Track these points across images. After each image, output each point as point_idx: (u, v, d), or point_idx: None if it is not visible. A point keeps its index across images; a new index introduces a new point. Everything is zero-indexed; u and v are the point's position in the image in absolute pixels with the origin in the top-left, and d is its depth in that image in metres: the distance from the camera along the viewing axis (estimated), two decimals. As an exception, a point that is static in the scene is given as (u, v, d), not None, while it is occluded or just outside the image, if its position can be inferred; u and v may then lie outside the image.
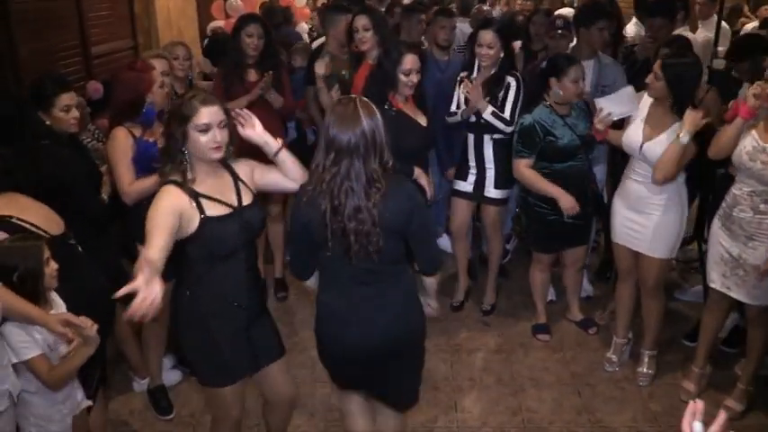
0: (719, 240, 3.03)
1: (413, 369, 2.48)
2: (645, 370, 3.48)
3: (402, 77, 3.24)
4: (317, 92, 4.07)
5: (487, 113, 3.57)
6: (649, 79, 3.12)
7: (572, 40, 4.30)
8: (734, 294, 3.04)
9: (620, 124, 3.35)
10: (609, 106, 3.27)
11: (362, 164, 2.11)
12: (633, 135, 3.19)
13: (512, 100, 3.63)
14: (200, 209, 2.21)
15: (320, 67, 4.04)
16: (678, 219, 3.21)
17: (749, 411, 3.17)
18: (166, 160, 2.27)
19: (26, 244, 2.24)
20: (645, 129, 3.15)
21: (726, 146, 2.92)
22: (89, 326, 2.18)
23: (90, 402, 2.54)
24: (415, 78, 3.25)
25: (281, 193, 3.98)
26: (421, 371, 2.53)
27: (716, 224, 3.06)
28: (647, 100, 3.21)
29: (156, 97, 2.97)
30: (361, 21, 3.75)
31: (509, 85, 3.64)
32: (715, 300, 3.18)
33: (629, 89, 3.34)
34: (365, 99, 2.23)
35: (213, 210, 2.23)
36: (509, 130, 3.60)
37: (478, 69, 3.72)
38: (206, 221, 2.20)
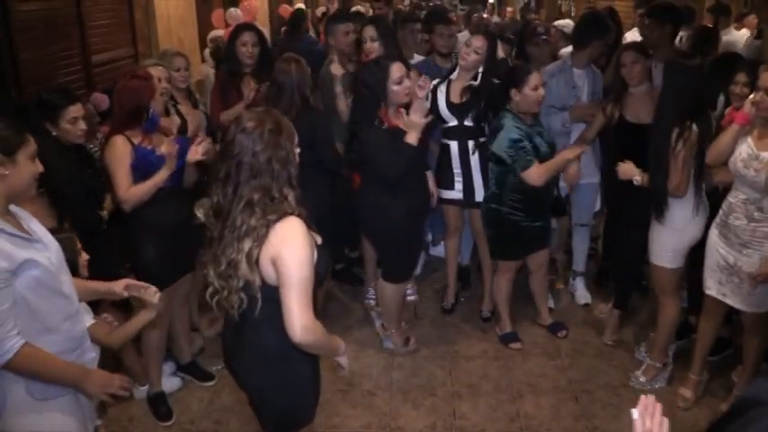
0: (716, 248, 3.05)
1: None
2: (639, 375, 3.51)
3: (395, 88, 3.26)
4: (334, 97, 4.07)
5: None
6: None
7: (556, 47, 4.39)
8: (729, 301, 3.06)
9: None
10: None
11: (290, 98, 3.33)
12: None
13: None
14: (314, 238, 2.01)
15: (337, 69, 4.03)
16: (683, 232, 3.20)
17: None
18: (273, 191, 1.94)
19: (61, 236, 2.24)
20: None
21: (723, 152, 2.96)
22: (152, 291, 2.25)
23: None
24: (408, 83, 3.28)
25: None
26: None
27: (713, 232, 3.09)
28: None
29: (156, 104, 3.00)
30: (369, 31, 3.86)
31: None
32: (711, 306, 3.20)
33: None
34: (300, 60, 3.44)
35: (316, 236, 2.05)
36: None
37: (458, 73, 3.80)
38: (319, 252, 2.02)
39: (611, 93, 3.85)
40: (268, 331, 2.01)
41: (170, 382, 3.46)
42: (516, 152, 3.43)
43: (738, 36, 6.21)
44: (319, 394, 2.29)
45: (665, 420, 1.36)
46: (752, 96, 2.85)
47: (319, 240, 2.05)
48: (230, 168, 1.93)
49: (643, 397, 1.40)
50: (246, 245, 1.92)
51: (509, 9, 9.93)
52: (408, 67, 3.45)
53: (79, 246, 2.29)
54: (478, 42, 3.69)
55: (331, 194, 3.71)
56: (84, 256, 2.31)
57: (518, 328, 3.99)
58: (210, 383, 3.53)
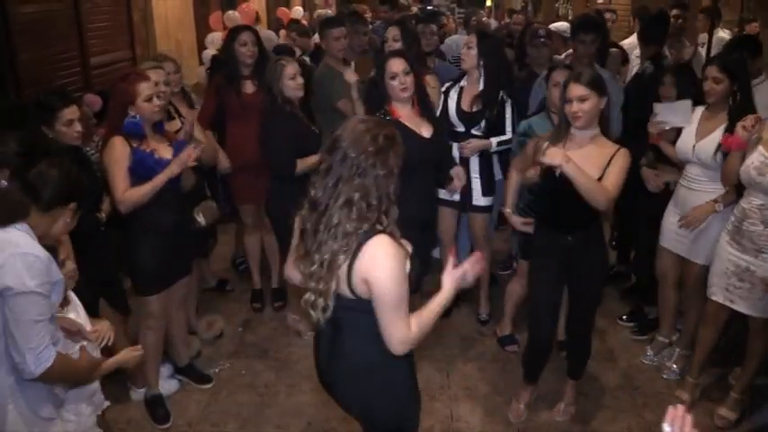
0: (726, 254, 3.06)
1: None
2: (672, 365, 3.60)
3: (390, 82, 3.20)
4: (349, 103, 4.02)
5: (494, 146, 3.72)
6: (708, 86, 3.18)
7: (555, 50, 4.41)
8: (737, 307, 3.07)
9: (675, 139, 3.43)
10: (665, 114, 3.33)
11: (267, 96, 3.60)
12: (686, 141, 3.30)
13: (509, 116, 3.73)
14: (407, 253, 1.98)
15: (351, 76, 3.97)
16: (720, 228, 3.21)
17: (742, 420, 3.19)
18: (376, 206, 1.90)
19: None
20: (697, 133, 3.26)
21: (732, 175, 3.03)
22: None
23: (108, 403, 2.56)
24: (405, 80, 3.18)
25: (254, 203, 4.01)
26: None
27: (723, 238, 3.09)
28: (697, 113, 3.32)
29: (142, 110, 2.95)
30: (392, 32, 3.95)
31: (504, 100, 3.70)
32: (713, 312, 3.21)
33: (688, 102, 3.34)
34: (278, 60, 3.51)
35: (407, 245, 2.02)
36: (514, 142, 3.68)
37: (467, 80, 3.78)
38: (412, 266, 1.98)
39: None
40: (363, 341, 1.96)
41: (168, 385, 3.45)
42: (518, 142, 3.51)
43: (718, 40, 6.18)
44: (420, 400, 2.23)
45: None
46: (741, 122, 2.91)
47: (410, 249, 2.03)
48: (334, 161, 1.89)
49: (671, 408, 1.39)
50: (340, 255, 1.87)
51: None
52: (415, 67, 3.33)
53: (63, 256, 2.26)
54: (470, 39, 3.71)
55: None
56: (70, 266, 2.29)
57: (516, 330, 3.99)
58: (208, 386, 3.53)
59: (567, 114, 2.82)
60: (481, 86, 3.68)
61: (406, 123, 3.24)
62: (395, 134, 1.96)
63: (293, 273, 2.14)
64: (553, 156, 2.59)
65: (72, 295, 2.34)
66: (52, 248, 2.18)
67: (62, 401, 2.19)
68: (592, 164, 2.75)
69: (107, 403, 2.53)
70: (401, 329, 1.88)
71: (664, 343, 3.74)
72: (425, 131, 3.29)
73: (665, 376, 3.59)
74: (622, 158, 2.77)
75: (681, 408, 1.38)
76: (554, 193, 2.87)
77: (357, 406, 2.15)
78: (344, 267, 1.88)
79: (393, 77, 3.20)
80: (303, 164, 3.49)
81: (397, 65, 3.20)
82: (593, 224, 2.92)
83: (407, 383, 2.14)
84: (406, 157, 3.21)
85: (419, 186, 3.37)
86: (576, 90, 2.74)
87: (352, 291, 1.91)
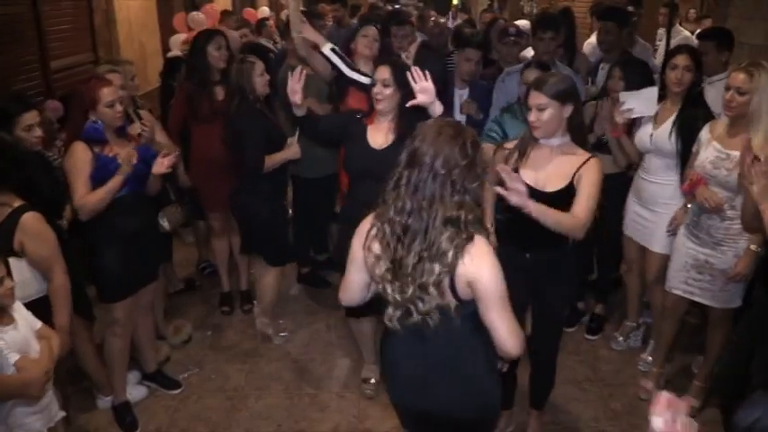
0: (685, 248, 3.12)
1: None
2: (648, 357, 3.67)
3: (372, 87, 3.04)
4: (315, 102, 3.87)
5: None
6: (679, 74, 3.19)
7: (523, 48, 4.44)
8: (698, 299, 3.14)
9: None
10: (630, 102, 3.29)
11: (233, 95, 3.63)
12: (644, 131, 3.35)
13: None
14: None
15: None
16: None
17: (705, 407, 3.26)
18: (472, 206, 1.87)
19: None
20: (653, 123, 3.32)
21: (749, 217, 3.07)
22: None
23: (64, 413, 2.53)
24: (382, 91, 2.97)
25: (221, 210, 4.00)
26: None
27: (681, 232, 3.16)
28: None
29: (103, 116, 2.90)
30: (371, 31, 3.98)
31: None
32: (671, 305, 3.29)
33: (654, 90, 3.32)
34: (244, 60, 3.55)
35: None
36: None
37: None
38: None
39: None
40: (449, 345, 1.97)
41: (135, 392, 3.41)
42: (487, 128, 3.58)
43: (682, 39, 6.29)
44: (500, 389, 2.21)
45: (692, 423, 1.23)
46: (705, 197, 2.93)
47: None
48: (421, 179, 1.83)
49: (662, 396, 1.26)
50: (436, 269, 1.83)
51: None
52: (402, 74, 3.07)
53: (1, 274, 2.19)
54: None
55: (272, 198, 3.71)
56: (8, 284, 2.21)
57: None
58: (177, 391, 3.50)
59: (529, 123, 2.62)
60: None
61: (367, 128, 3.08)
62: (476, 136, 1.90)
63: (350, 295, 2.12)
64: (510, 196, 2.27)
65: (17, 310, 2.29)
66: None
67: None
68: (558, 174, 2.57)
69: (62, 414, 2.50)
70: (514, 325, 1.88)
71: (632, 327, 3.86)
72: (382, 142, 3.03)
73: (641, 367, 3.64)
74: (592, 172, 2.53)
75: (665, 394, 1.27)
76: (512, 209, 2.47)
77: (446, 414, 2.07)
78: (444, 279, 1.84)
79: (373, 84, 3.04)
80: (271, 161, 3.51)
81: (380, 72, 3.01)
82: (559, 247, 2.70)
83: (495, 378, 2.10)
84: (351, 162, 3.11)
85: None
86: (535, 98, 2.54)
87: (455, 296, 1.88)
